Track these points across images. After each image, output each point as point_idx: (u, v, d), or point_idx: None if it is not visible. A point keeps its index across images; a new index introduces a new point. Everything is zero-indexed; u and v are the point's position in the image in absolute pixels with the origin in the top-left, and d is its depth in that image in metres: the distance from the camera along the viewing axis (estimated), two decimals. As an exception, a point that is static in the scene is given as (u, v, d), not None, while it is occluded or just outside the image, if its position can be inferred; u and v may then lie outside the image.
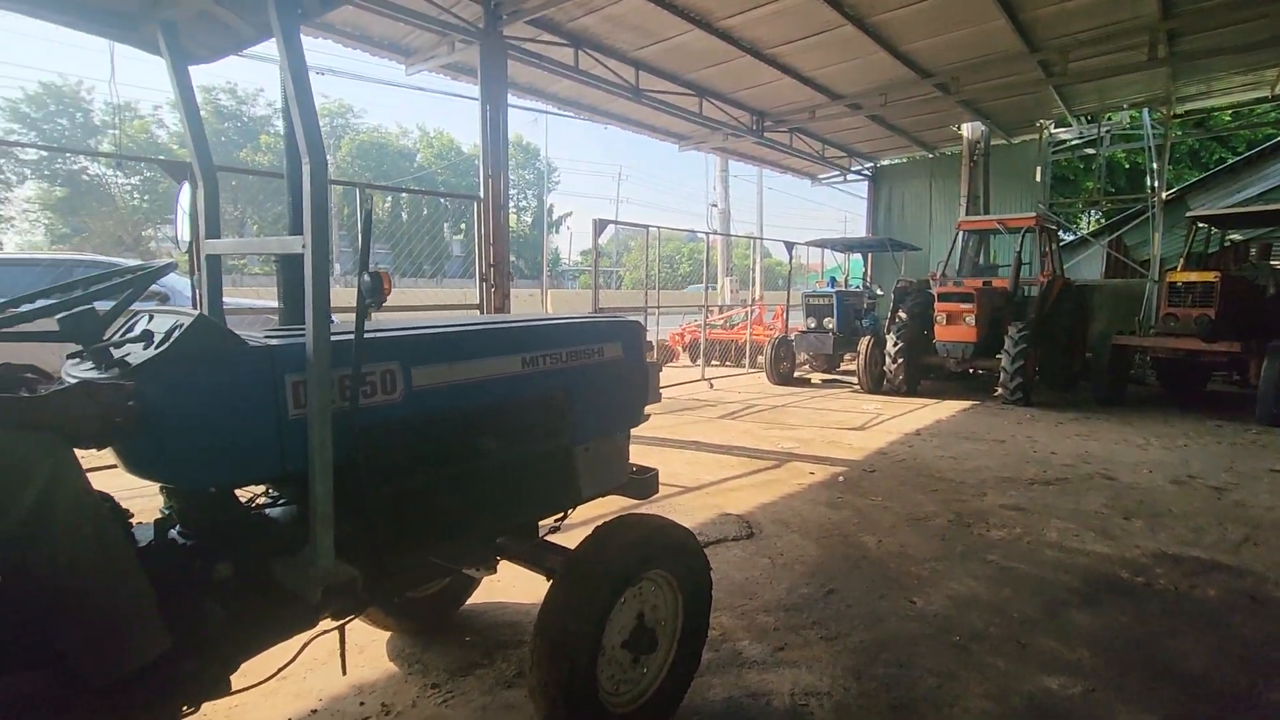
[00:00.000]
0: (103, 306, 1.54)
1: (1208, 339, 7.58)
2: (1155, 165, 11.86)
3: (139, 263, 1.82)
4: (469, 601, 2.89)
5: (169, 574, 1.44)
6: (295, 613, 1.63)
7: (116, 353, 1.48)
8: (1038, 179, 12.94)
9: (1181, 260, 8.85)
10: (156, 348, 1.40)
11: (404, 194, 31.36)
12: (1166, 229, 11.65)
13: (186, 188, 2.01)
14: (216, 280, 2.03)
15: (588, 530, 2.06)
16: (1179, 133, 13.83)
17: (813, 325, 10.79)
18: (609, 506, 2.73)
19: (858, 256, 14.52)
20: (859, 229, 18.05)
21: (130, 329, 1.60)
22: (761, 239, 16.49)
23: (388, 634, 2.71)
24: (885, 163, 15.66)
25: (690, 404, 8.54)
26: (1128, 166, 18.31)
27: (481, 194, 6.86)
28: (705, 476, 5.15)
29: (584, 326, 2.29)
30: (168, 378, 1.37)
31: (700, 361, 10.82)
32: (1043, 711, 2.28)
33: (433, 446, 1.80)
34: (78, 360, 1.55)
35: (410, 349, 1.76)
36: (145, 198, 30.65)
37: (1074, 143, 13.98)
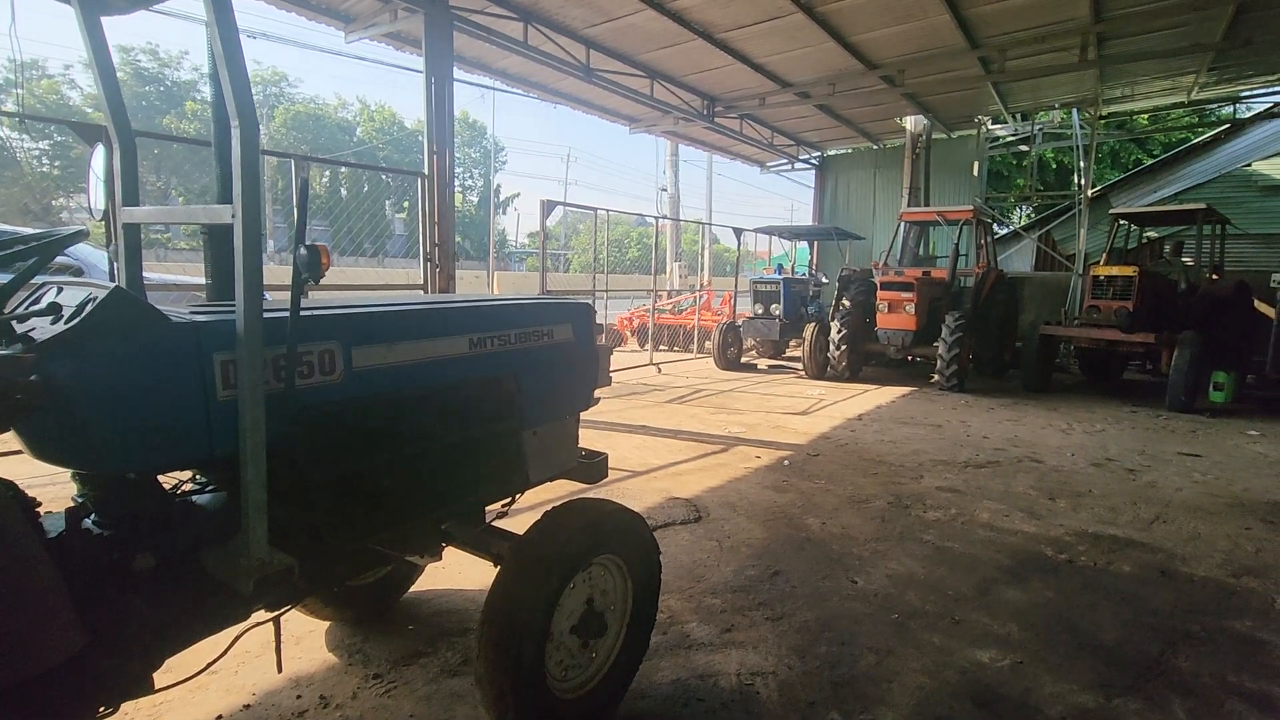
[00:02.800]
0: (3, 278, 1.40)
1: (1126, 330, 8.04)
2: (1082, 164, 12.46)
3: (44, 230, 1.66)
4: (413, 589, 2.82)
5: (83, 567, 1.34)
6: (226, 605, 1.54)
7: (20, 327, 1.35)
8: (975, 173, 13.43)
9: (1104, 255, 9.36)
10: (66, 322, 1.29)
11: (343, 169, 30.12)
12: (1091, 225, 12.28)
13: (100, 150, 1.86)
14: (135, 251, 1.88)
15: (536, 515, 2.03)
16: (1103, 133, 14.55)
17: (760, 311, 10.94)
18: (557, 491, 2.70)
19: (804, 244, 14.78)
20: (806, 217, 18.39)
21: (36, 302, 1.46)
22: (710, 225, 16.56)
23: (327, 624, 2.62)
24: (832, 153, 15.95)
25: (638, 389, 8.54)
26: (1055, 165, 19.21)
27: (426, 170, 6.64)
28: (654, 461, 5.17)
29: (533, 308, 2.24)
30: (78, 354, 1.26)
31: (649, 346, 10.84)
32: (975, 683, 2.39)
33: (375, 429, 1.73)
34: (-27, 336, 1.41)
35: (350, 328, 1.68)
36: (56, 164, 28.49)
37: (1009, 139, 14.54)
